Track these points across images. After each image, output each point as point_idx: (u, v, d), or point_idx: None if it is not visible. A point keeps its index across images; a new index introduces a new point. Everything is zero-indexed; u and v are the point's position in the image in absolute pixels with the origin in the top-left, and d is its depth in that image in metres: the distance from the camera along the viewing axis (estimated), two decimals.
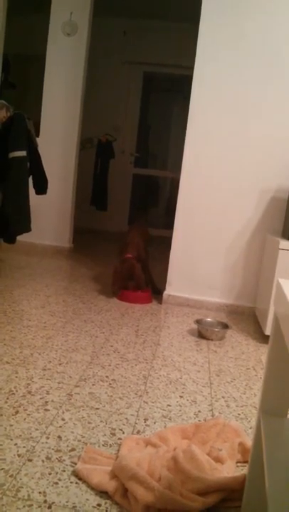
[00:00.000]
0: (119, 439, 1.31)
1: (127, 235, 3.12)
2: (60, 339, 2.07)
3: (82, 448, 1.24)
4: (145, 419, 1.44)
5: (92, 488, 1.08)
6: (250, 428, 1.46)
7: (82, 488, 1.08)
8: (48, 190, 3.22)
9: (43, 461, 1.16)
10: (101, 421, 1.40)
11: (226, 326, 2.43)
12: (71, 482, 1.10)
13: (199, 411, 1.54)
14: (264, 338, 2.42)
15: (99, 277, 3.47)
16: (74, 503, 1.03)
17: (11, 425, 1.31)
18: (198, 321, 2.44)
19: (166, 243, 3.13)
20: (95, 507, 1.03)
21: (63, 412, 1.42)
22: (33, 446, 1.22)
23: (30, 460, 1.16)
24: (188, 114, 2.79)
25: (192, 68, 2.76)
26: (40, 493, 1.04)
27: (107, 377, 1.73)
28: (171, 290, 2.96)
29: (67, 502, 1.03)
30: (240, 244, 2.84)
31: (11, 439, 1.24)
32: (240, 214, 2.82)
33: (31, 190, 3.01)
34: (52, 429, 1.31)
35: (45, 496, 1.04)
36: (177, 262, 2.93)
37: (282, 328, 0.79)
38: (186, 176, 2.85)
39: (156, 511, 1.02)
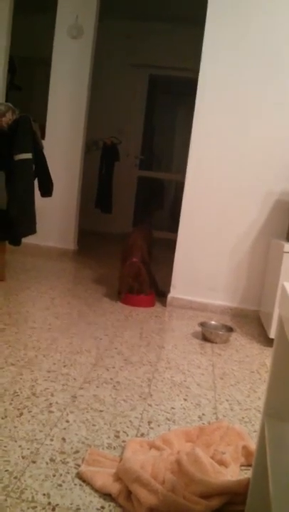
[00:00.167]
0: (123, 441, 1.31)
1: (129, 238, 3.12)
2: (64, 341, 2.08)
3: (86, 450, 1.24)
4: (149, 422, 1.44)
5: (96, 491, 1.08)
6: (254, 431, 1.45)
7: (86, 490, 1.09)
8: (53, 192, 3.23)
9: (47, 463, 1.17)
10: (105, 423, 1.40)
11: (230, 329, 2.42)
12: (75, 484, 1.10)
13: (203, 414, 1.54)
14: (268, 342, 2.41)
15: (103, 279, 3.47)
16: (78, 505, 1.03)
17: (16, 427, 1.31)
18: (202, 324, 2.44)
19: (171, 246, 3.13)
20: (98, 509, 1.03)
21: (67, 414, 1.42)
22: (37, 448, 1.22)
23: (34, 462, 1.16)
24: (194, 116, 2.80)
25: (197, 71, 2.76)
26: (44, 495, 1.05)
27: (111, 379, 1.73)
28: (175, 293, 2.96)
29: (71, 504, 1.03)
30: (245, 247, 2.84)
31: (16, 441, 1.24)
32: (244, 217, 2.82)
33: (37, 193, 3.02)
34: (56, 431, 1.32)
35: (49, 497, 1.04)
36: (181, 265, 2.93)
37: (286, 331, 0.79)
38: (190, 179, 2.85)
39: None
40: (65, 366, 1.80)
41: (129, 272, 2.85)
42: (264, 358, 2.19)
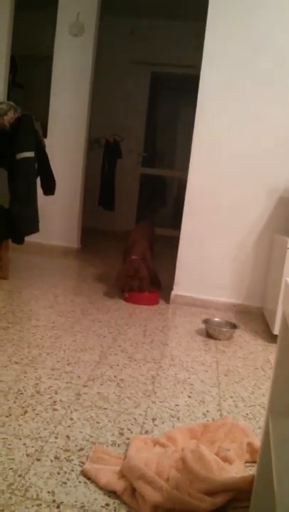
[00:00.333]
0: (128, 438, 1.31)
1: (130, 235, 3.11)
2: (68, 339, 2.08)
3: (91, 448, 1.24)
4: (153, 419, 1.44)
5: (101, 488, 1.09)
6: (259, 428, 1.45)
7: (90, 487, 1.09)
8: (55, 190, 3.23)
9: (51, 460, 1.17)
10: (109, 421, 1.40)
11: (234, 326, 2.42)
12: (79, 482, 1.10)
13: (207, 411, 1.54)
14: (272, 338, 2.41)
15: (107, 277, 3.47)
16: (82, 503, 1.03)
17: (20, 425, 1.31)
18: (206, 321, 2.44)
19: (174, 243, 3.12)
20: (103, 507, 1.03)
21: (72, 412, 1.42)
22: (42, 446, 1.22)
23: (38, 460, 1.16)
24: (196, 113, 2.79)
25: (199, 67, 2.75)
26: (48, 492, 1.05)
27: (115, 377, 1.73)
28: (178, 290, 2.95)
29: (75, 502, 1.03)
30: (248, 244, 2.83)
31: (20, 439, 1.24)
32: (248, 213, 2.81)
33: (39, 191, 3.02)
34: (60, 429, 1.32)
35: (53, 495, 1.04)
36: (185, 262, 2.92)
37: None
38: (193, 176, 2.84)
39: (164, 511, 1.02)
40: (68, 364, 1.80)
41: (128, 270, 2.84)
42: (268, 354, 2.19)
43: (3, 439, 1.24)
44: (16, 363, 1.75)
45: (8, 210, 2.87)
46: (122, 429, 1.36)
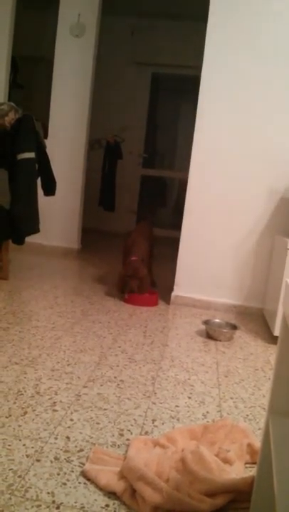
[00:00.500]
0: (128, 439, 1.31)
1: (129, 236, 3.11)
2: (68, 340, 2.08)
3: (91, 448, 1.24)
4: (153, 420, 1.44)
5: (101, 489, 1.08)
6: (259, 429, 1.45)
7: (90, 488, 1.08)
8: (56, 191, 3.23)
9: (51, 461, 1.17)
10: (109, 421, 1.40)
11: (234, 327, 2.42)
12: (79, 483, 1.10)
13: (207, 412, 1.54)
14: (273, 339, 2.40)
15: (107, 278, 3.47)
16: (82, 504, 1.03)
17: (20, 426, 1.31)
18: (206, 322, 2.44)
19: (174, 244, 3.12)
20: (103, 507, 1.03)
21: (72, 413, 1.42)
22: (42, 447, 1.22)
23: (38, 460, 1.16)
24: (196, 114, 2.79)
25: (200, 68, 2.76)
26: (48, 493, 1.05)
27: (115, 377, 1.73)
28: (178, 291, 2.95)
29: (75, 502, 1.03)
30: (249, 245, 2.83)
31: (20, 440, 1.24)
32: (248, 214, 2.81)
33: (40, 192, 3.02)
34: (60, 430, 1.32)
35: (53, 496, 1.04)
36: (185, 263, 2.92)
37: None
38: (194, 176, 2.84)
39: None
40: (69, 365, 1.80)
41: (127, 271, 2.84)
42: (268, 355, 2.19)
43: (3, 439, 1.23)
44: (16, 363, 1.75)
45: (8, 211, 2.87)
46: (122, 430, 1.36)
